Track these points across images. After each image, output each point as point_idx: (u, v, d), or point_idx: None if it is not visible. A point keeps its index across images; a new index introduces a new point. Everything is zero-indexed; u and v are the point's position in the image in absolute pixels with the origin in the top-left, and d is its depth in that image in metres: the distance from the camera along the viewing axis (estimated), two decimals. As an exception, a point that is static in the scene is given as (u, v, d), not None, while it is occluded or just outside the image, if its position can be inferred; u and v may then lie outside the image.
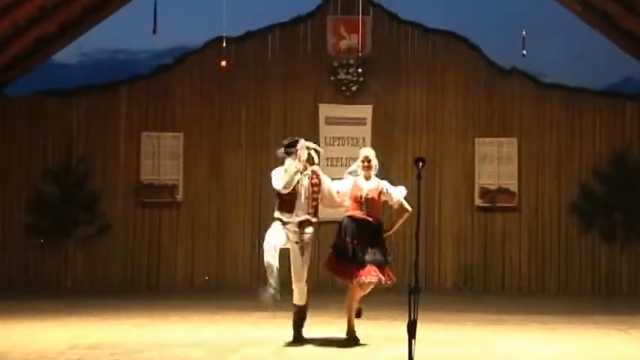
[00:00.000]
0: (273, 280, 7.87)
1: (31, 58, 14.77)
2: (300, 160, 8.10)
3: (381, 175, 8.31)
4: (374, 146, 10.45)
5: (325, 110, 14.89)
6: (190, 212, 14.82)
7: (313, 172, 8.20)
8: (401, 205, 8.13)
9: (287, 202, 8.10)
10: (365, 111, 14.88)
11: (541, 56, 17.90)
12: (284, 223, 8.07)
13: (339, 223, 8.15)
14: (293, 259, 8.12)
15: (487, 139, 14.82)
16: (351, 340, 8.14)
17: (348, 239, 7.98)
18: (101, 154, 14.83)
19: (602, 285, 14.58)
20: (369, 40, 14.83)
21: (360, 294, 8.09)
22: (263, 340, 8.44)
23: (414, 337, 6.65)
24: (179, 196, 14.76)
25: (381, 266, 7.96)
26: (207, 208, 14.71)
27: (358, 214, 8.07)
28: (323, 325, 9.14)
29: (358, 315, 8.27)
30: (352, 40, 14.65)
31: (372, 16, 14.89)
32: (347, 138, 14.76)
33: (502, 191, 14.71)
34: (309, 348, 7.98)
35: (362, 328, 8.41)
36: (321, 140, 14.16)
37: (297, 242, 8.06)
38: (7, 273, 14.48)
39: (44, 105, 14.89)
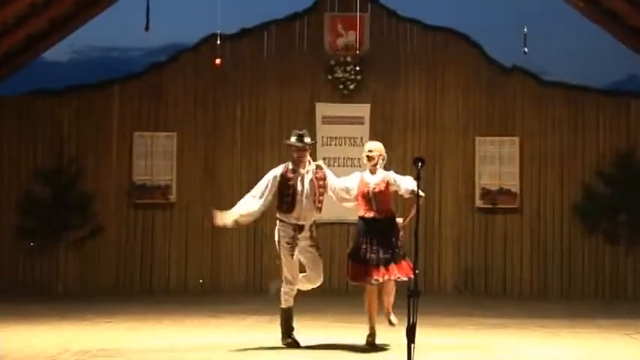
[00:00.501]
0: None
1: (22, 56, 14.55)
2: (302, 166, 7.98)
3: None
4: (372, 146, 10.19)
5: (322, 109, 14.70)
6: (184, 213, 14.63)
7: (317, 166, 8.11)
8: (412, 192, 7.80)
9: (286, 202, 7.96)
10: (363, 110, 14.69)
11: (543, 54, 17.77)
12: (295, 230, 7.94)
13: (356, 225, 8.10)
14: (312, 262, 8.04)
15: (488, 139, 14.64)
16: (367, 345, 7.94)
17: (361, 240, 7.90)
18: (93, 154, 14.66)
19: (606, 288, 14.38)
20: (367, 38, 14.63)
21: (384, 298, 7.93)
22: (259, 344, 8.28)
23: (414, 342, 6.56)
24: (172, 197, 14.56)
25: (390, 264, 7.79)
26: (202, 209, 14.40)
27: (367, 213, 7.96)
28: (320, 329, 9.08)
29: (391, 322, 8.03)
30: (350, 38, 14.49)
31: (370, 13, 14.68)
32: (344, 138, 14.58)
33: (503, 192, 14.55)
34: (305, 352, 7.87)
35: (359, 332, 8.27)
36: (318, 140, 13.98)
37: (311, 245, 8.02)
38: (-3, 276, 14.32)
39: (34, 104, 14.70)
